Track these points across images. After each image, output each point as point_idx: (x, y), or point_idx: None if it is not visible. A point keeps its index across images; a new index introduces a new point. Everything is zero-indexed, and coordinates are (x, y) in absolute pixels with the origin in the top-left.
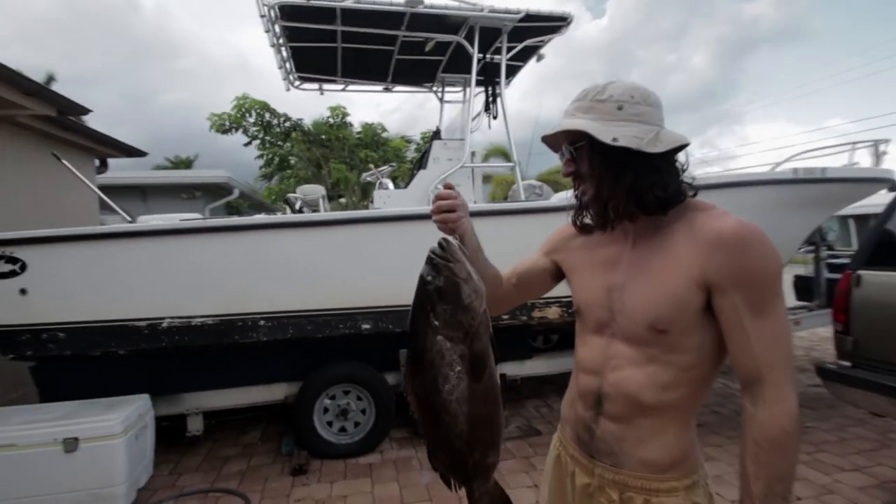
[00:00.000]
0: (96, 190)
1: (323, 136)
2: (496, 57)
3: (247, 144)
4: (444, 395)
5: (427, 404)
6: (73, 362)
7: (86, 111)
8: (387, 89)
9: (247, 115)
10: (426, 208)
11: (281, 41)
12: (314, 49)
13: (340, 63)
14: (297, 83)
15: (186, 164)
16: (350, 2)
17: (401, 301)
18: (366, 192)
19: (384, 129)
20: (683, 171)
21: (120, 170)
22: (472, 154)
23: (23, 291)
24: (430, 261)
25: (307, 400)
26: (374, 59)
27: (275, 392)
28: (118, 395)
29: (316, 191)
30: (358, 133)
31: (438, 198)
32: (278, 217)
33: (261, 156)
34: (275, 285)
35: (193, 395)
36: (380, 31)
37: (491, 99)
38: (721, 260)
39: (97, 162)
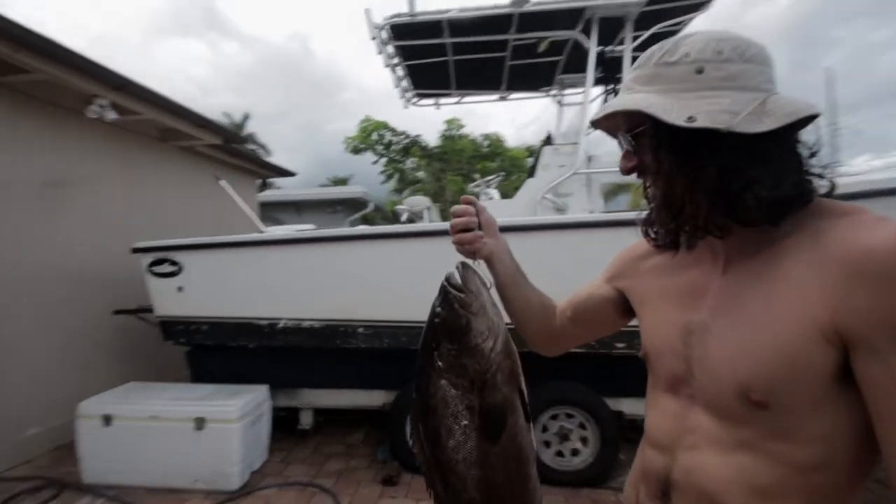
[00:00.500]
0: (244, 206)
1: (439, 150)
2: (619, 49)
3: (374, 163)
4: (448, 451)
5: (433, 459)
6: (216, 351)
7: (244, 140)
8: (502, 98)
9: (371, 135)
10: (530, 219)
11: (395, 61)
12: (427, 65)
13: (454, 75)
14: (414, 100)
15: (343, 182)
16: (455, 12)
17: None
18: None
19: (500, 140)
20: (811, 156)
21: (288, 188)
22: (589, 159)
23: (179, 289)
24: (441, 289)
25: (400, 410)
26: (486, 67)
27: (374, 398)
28: (248, 384)
29: (421, 202)
30: (487, 144)
31: (453, 214)
32: (374, 228)
33: (383, 172)
34: (373, 294)
35: (306, 391)
36: (489, 37)
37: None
38: (870, 297)
39: (259, 182)
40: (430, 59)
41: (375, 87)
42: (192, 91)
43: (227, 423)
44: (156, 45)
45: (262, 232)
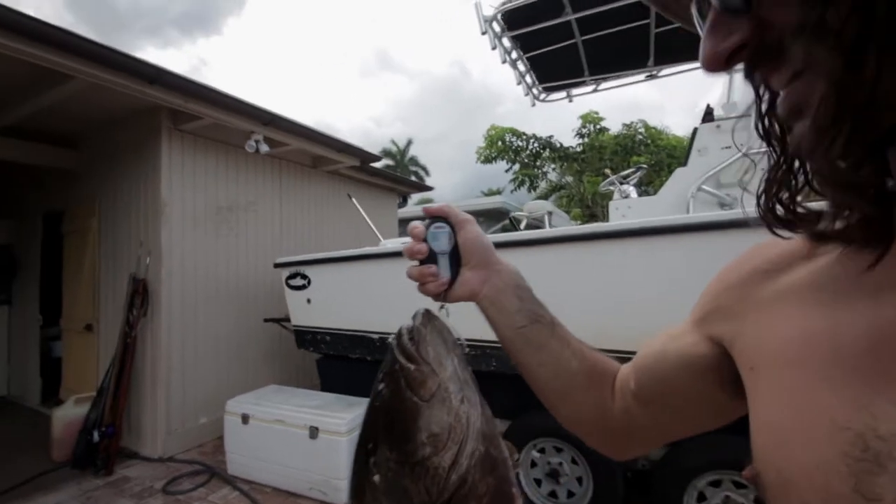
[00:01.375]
0: (368, 220)
1: (573, 149)
2: None
3: (507, 170)
4: None
5: None
6: (340, 361)
7: (377, 159)
8: (651, 76)
9: (496, 143)
10: (678, 218)
11: (513, 55)
12: (551, 52)
13: (585, 59)
14: (542, 96)
15: (497, 193)
16: None
17: (633, 346)
18: None
19: (648, 128)
20: None
21: (447, 202)
22: None
23: (308, 301)
24: (388, 352)
25: (514, 441)
26: (625, 41)
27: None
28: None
29: (541, 207)
30: (633, 136)
31: (412, 236)
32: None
33: (513, 180)
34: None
35: None
36: (623, 1)
37: None
38: None
39: (399, 199)
40: (553, 45)
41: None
42: (369, 125)
43: (337, 435)
44: (343, 89)
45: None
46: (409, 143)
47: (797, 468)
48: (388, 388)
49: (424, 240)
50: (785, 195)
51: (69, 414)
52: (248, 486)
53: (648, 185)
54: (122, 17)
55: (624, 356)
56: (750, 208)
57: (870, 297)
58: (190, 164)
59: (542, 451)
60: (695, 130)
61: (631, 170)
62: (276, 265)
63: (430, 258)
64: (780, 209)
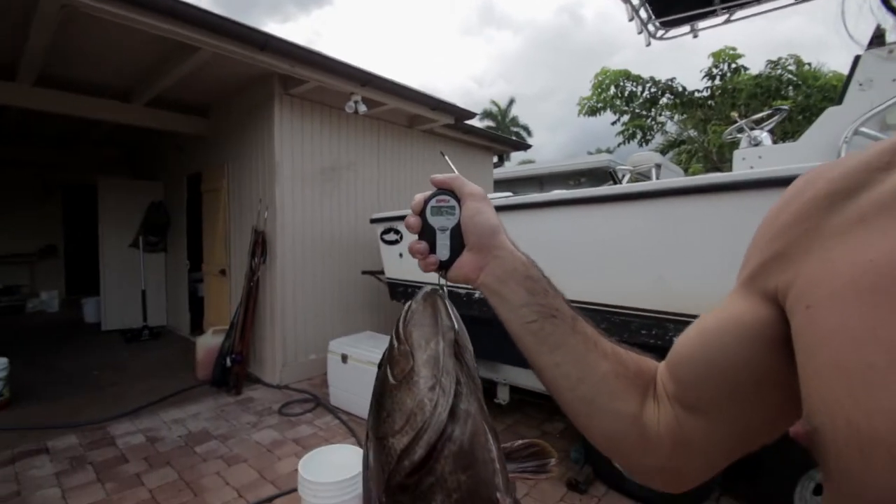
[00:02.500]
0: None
1: (699, 93)
2: None
3: (614, 123)
4: None
5: None
6: None
7: (472, 115)
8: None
9: (608, 90)
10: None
11: None
12: None
13: None
14: (659, 33)
15: (608, 152)
16: None
17: None
18: None
19: (801, 65)
20: None
21: (549, 162)
22: None
23: (400, 255)
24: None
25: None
26: None
27: None
28: None
29: (647, 159)
30: (780, 75)
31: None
32: (532, 196)
33: (622, 132)
34: (574, 269)
35: (504, 366)
36: None
37: None
38: None
39: (495, 158)
40: None
41: (654, 45)
42: (471, 86)
43: None
44: (447, 48)
45: None
46: (511, 102)
47: (880, 415)
48: (382, 360)
49: (422, 213)
50: None
51: (208, 342)
52: (347, 417)
53: (794, 136)
54: None
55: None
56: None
57: None
58: (298, 127)
59: None
60: (856, 59)
61: (767, 111)
62: (372, 220)
63: (427, 234)
64: None
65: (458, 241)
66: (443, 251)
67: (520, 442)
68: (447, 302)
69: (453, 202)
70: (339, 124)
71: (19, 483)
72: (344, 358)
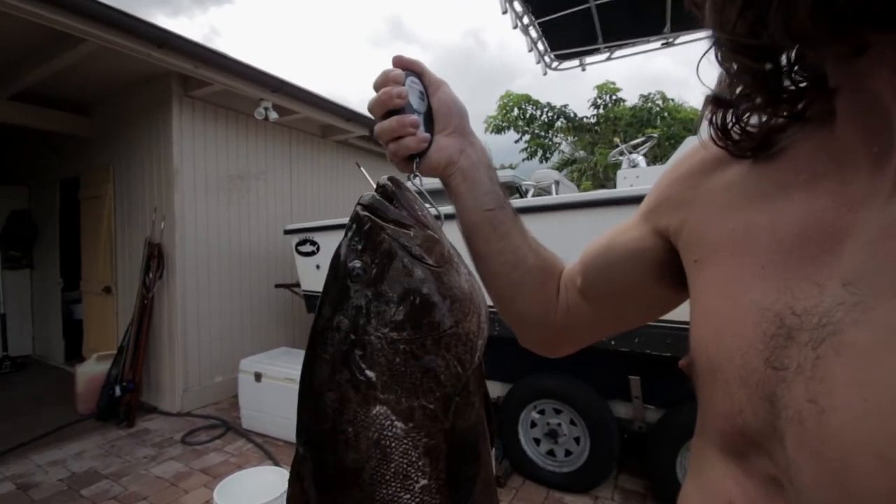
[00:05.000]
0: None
1: (587, 120)
2: None
3: (517, 141)
4: None
5: None
6: None
7: None
8: (667, 44)
9: (511, 111)
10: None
11: (525, 20)
12: (564, 18)
13: (599, 25)
14: (554, 64)
15: (511, 168)
16: None
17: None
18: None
19: (666, 100)
20: None
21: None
22: None
23: (318, 267)
24: (354, 222)
25: (513, 405)
26: (640, 6)
27: (490, 389)
28: None
29: (547, 176)
30: (651, 108)
31: (375, 88)
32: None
33: (525, 150)
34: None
35: None
36: None
37: None
38: None
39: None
40: (566, 9)
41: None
42: None
43: None
44: (355, 59)
45: None
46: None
47: (724, 352)
48: (383, 259)
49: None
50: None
51: (92, 370)
52: (262, 440)
53: (662, 160)
54: None
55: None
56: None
57: (805, 187)
58: (201, 132)
59: (541, 412)
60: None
61: (641, 139)
62: (287, 232)
63: (409, 110)
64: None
65: (429, 128)
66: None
67: None
68: (424, 192)
69: (422, 87)
70: (247, 131)
71: None
72: (258, 376)
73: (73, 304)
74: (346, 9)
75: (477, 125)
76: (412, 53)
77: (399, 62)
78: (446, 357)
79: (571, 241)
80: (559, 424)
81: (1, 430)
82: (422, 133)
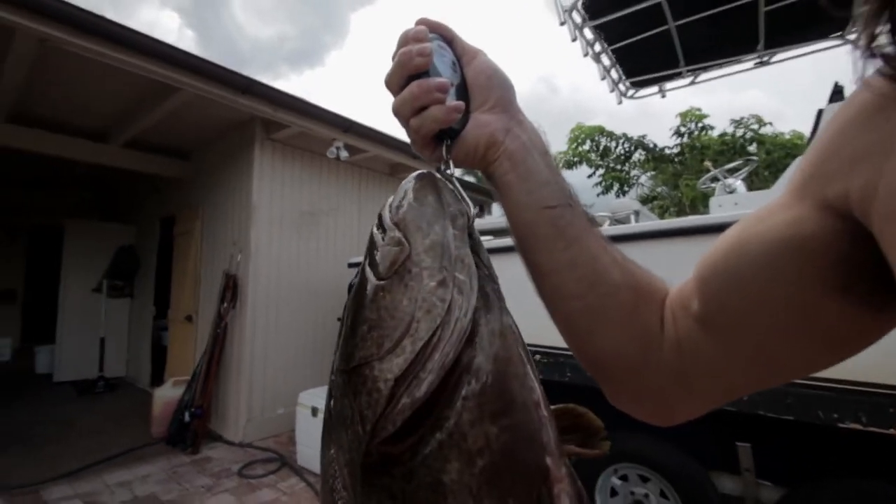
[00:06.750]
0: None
1: (669, 150)
2: None
3: (589, 176)
4: None
5: None
6: None
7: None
8: (761, 62)
9: (583, 144)
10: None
11: (596, 47)
12: (640, 42)
13: (680, 47)
14: (630, 92)
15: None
16: None
17: None
18: None
19: (763, 124)
20: None
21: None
22: None
23: None
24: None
25: (588, 466)
26: (729, 24)
27: None
28: None
29: (626, 206)
30: (743, 134)
31: (402, 43)
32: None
33: (599, 183)
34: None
35: None
36: None
37: None
38: None
39: (477, 208)
40: (642, 33)
41: (624, 108)
42: None
43: None
44: None
45: None
46: None
47: None
48: (357, 273)
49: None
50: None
51: (167, 394)
52: (314, 479)
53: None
54: (244, 56)
55: None
56: None
57: None
58: (279, 171)
59: (623, 478)
60: (819, 112)
61: (739, 162)
62: (351, 265)
63: (434, 73)
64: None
65: (463, 101)
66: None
67: (552, 407)
68: (455, 182)
69: (453, 55)
70: (319, 170)
71: None
72: (314, 411)
73: (162, 331)
74: None
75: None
76: None
77: (425, 22)
78: (353, 404)
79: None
80: (646, 496)
81: (84, 446)
82: (454, 101)
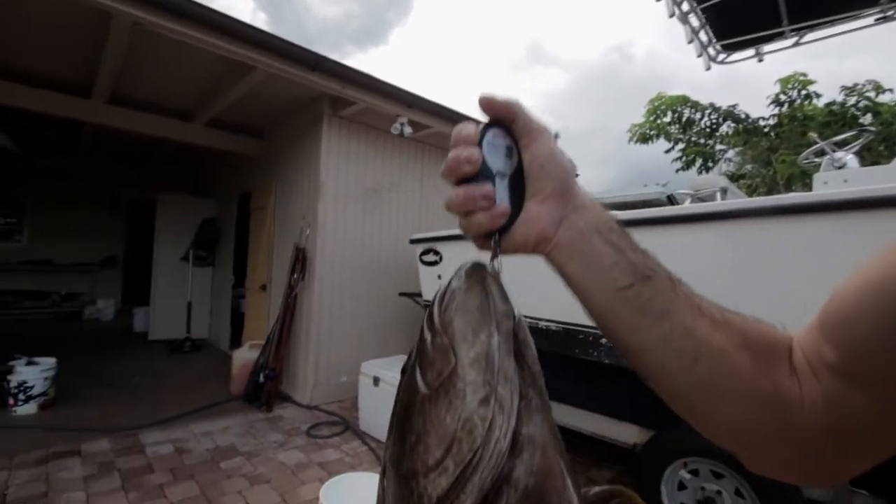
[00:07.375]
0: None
1: (764, 121)
2: None
3: (668, 151)
4: None
5: None
6: None
7: None
8: (884, 17)
9: (662, 116)
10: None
11: (684, 6)
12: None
13: (784, 2)
14: (720, 57)
15: (662, 185)
16: None
17: None
18: None
19: (880, 90)
20: None
21: (597, 195)
22: None
23: (439, 277)
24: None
25: (655, 460)
26: None
27: (622, 432)
28: None
29: (712, 182)
30: (855, 102)
31: (454, 143)
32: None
33: (679, 158)
34: None
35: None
36: None
37: None
38: None
39: None
40: None
41: (706, 78)
42: None
43: None
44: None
45: None
46: (556, 136)
47: None
48: (407, 361)
49: (479, 145)
50: None
51: (244, 356)
52: (375, 444)
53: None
54: (312, 37)
55: None
56: None
57: None
58: (344, 148)
59: (693, 472)
60: None
61: (851, 133)
62: (412, 241)
63: (483, 178)
64: None
65: (517, 192)
66: (502, 204)
67: (597, 489)
68: (501, 280)
69: (510, 140)
70: (383, 146)
71: (48, 484)
72: (376, 381)
73: (240, 299)
74: (488, 35)
75: (623, 146)
76: (551, 76)
77: (485, 104)
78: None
79: (744, 271)
80: (719, 493)
81: (174, 399)
82: (501, 206)
